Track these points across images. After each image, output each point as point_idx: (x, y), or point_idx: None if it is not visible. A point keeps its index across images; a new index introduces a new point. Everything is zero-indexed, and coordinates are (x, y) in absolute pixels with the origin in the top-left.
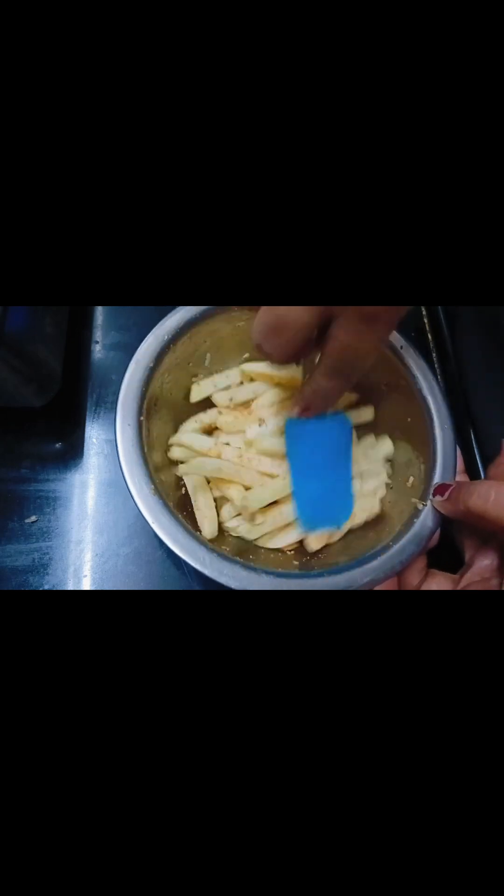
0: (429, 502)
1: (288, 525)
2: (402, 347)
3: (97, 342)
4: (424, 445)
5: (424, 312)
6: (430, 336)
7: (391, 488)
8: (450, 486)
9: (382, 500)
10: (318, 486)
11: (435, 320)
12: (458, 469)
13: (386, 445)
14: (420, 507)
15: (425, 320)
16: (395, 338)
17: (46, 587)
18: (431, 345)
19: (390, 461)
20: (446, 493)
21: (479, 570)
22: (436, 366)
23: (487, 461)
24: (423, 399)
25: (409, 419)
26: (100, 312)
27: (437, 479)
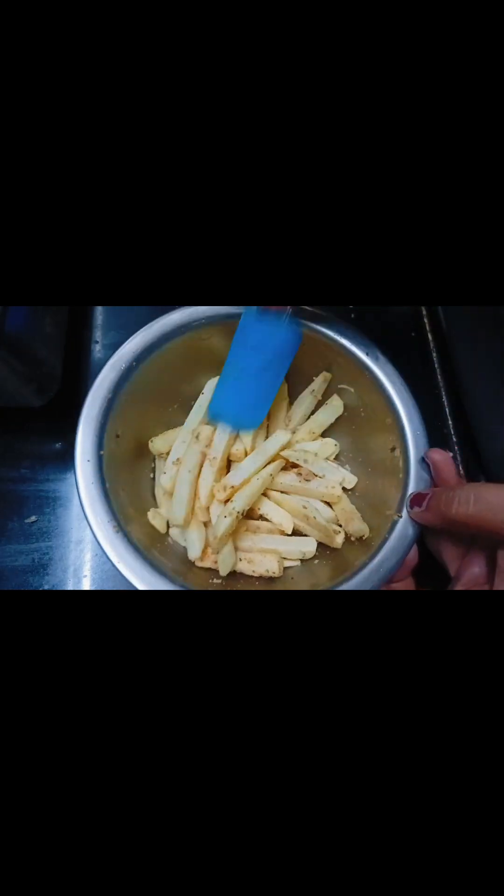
0: (404, 513)
1: (265, 552)
2: (367, 353)
3: (97, 342)
4: (396, 463)
5: (424, 312)
6: (430, 336)
7: (307, 566)
8: (426, 494)
9: (288, 571)
10: (243, 385)
11: (435, 320)
12: (458, 473)
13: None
14: (396, 518)
15: (425, 320)
16: (362, 343)
17: (46, 587)
18: (431, 345)
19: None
20: (424, 503)
21: (471, 580)
22: (436, 366)
23: (488, 462)
24: (393, 405)
25: (385, 420)
26: (100, 312)
27: (411, 487)
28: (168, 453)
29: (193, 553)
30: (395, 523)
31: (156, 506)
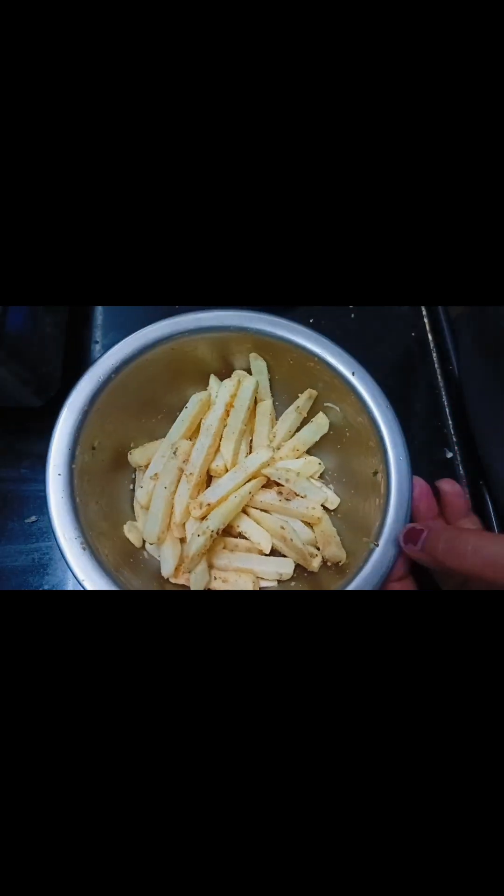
0: (381, 542)
1: (241, 571)
2: (353, 374)
3: (97, 342)
4: (377, 485)
5: (424, 312)
6: (430, 336)
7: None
8: (421, 532)
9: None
10: None
11: (435, 320)
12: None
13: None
14: (373, 546)
15: (425, 320)
16: (348, 363)
17: (46, 587)
18: (431, 345)
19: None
20: (419, 543)
21: None
22: (436, 366)
23: (489, 465)
24: (377, 428)
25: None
26: (100, 312)
27: (390, 516)
28: (147, 466)
29: (167, 570)
30: (371, 552)
31: (134, 518)
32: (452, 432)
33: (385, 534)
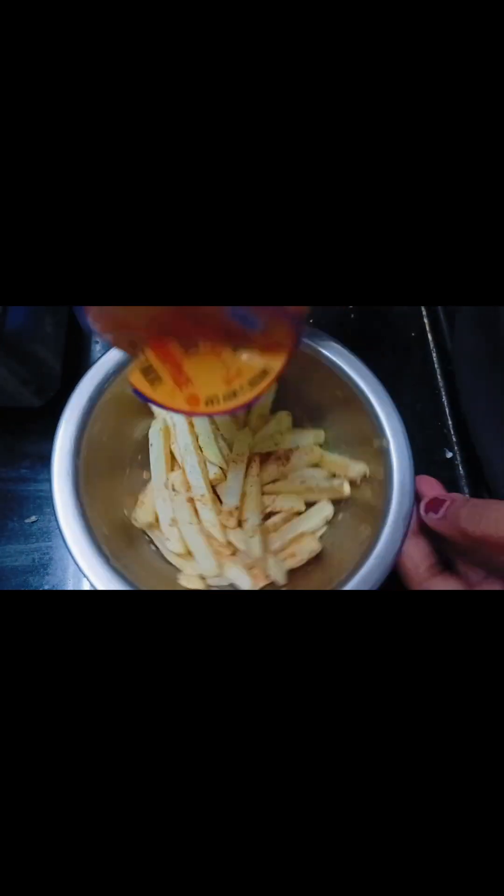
0: (388, 438)
1: (297, 540)
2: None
3: (97, 342)
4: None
5: (424, 312)
6: (429, 336)
7: (336, 526)
8: (444, 501)
9: (324, 540)
10: None
11: (435, 320)
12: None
13: (343, 486)
14: (383, 444)
15: (425, 320)
16: (343, 355)
17: (46, 587)
18: (431, 345)
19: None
20: (441, 510)
21: None
22: (436, 366)
23: (488, 463)
24: (378, 422)
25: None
26: None
27: (392, 510)
28: (157, 520)
29: (248, 586)
30: (386, 451)
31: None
32: (452, 432)
33: (422, 509)
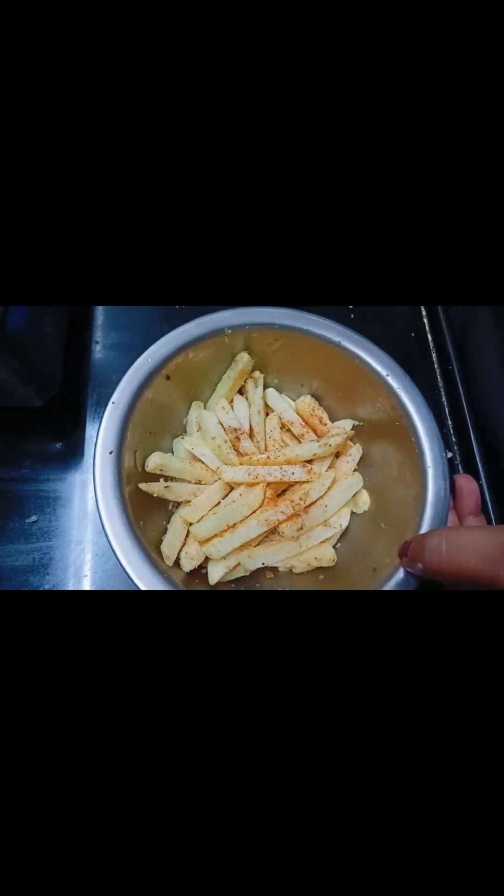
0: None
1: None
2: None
3: (97, 342)
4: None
5: (424, 312)
6: (429, 336)
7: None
8: (410, 543)
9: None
10: None
11: (435, 320)
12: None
13: (363, 498)
14: (374, 568)
15: (425, 320)
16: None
17: (46, 587)
18: (431, 345)
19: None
20: (407, 553)
21: None
22: (436, 366)
23: (492, 462)
24: (424, 461)
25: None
26: (100, 312)
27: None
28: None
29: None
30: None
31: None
32: (452, 432)
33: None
